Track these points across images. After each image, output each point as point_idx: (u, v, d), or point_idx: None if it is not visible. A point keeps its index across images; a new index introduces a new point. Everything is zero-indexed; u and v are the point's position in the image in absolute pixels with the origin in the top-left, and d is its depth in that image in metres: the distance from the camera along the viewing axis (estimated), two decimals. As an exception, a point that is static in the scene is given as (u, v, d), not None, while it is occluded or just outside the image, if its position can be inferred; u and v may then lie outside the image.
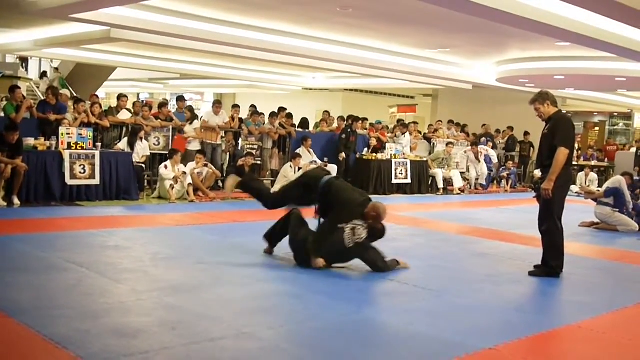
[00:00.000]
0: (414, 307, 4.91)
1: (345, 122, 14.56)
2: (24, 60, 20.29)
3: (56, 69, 19.67)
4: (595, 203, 10.32)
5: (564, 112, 6.21)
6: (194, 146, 11.85)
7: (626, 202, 9.88)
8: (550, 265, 6.15)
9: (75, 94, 16.54)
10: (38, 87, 18.15)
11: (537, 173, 7.10)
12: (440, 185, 14.65)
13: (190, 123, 12.22)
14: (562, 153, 5.85)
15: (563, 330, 4.44)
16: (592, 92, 18.68)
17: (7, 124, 8.93)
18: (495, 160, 16.38)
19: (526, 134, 18.10)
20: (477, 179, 15.71)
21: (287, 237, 6.14)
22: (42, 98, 12.18)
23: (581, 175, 17.56)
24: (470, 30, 10.84)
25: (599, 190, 10.84)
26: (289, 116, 13.80)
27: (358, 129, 14.41)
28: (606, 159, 20.14)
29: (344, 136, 13.85)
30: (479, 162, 15.64)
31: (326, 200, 5.92)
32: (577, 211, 12.66)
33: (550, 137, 6.02)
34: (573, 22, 8.64)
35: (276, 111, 13.53)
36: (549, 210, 6.11)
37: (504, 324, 4.49)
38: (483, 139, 16.82)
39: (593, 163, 19.03)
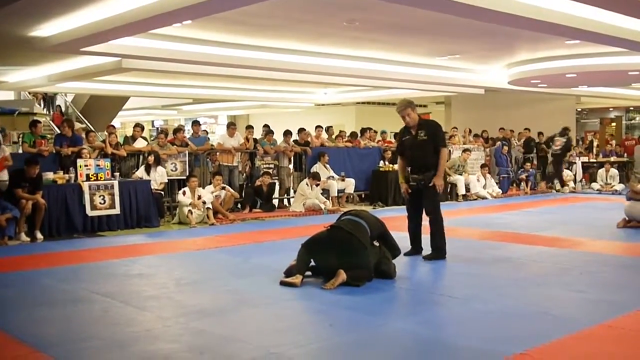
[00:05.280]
0: (442, 315, 4.88)
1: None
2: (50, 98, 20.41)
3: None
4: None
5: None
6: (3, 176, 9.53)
7: None
8: (440, 248, 7.07)
9: (90, 126, 16.74)
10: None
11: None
12: (462, 191, 14.57)
13: None
14: (445, 153, 7.09)
15: (594, 330, 4.37)
16: (605, 87, 18.53)
17: (28, 158, 9.05)
18: None
19: (540, 134, 17.99)
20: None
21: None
22: (58, 132, 12.32)
23: (601, 172, 17.39)
24: (478, 34, 10.83)
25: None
26: (300, 130, 13.94)
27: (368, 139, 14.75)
28: (625, 154, 19.94)
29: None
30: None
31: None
32: (601, 209, 12.59)
33: (430, 142, 6.97)
34: (581, 19, 8.59)
35: (290, 129, 13.59)
36: (436, 202, 7.16)
37: (533, 328, 4.44)
38: (498, 143, 16.75)
39: (612, 159, 18.84)
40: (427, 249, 7.26)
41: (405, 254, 6.93)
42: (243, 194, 12.47)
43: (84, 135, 11.38)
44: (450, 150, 15.86)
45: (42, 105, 19.46)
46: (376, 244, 6.17)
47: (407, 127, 7.19)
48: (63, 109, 19.63)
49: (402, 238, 6.90)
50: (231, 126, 13.06)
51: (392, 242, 6.36)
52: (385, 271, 5.98)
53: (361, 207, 13.02)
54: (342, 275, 5.65)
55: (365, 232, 5.94)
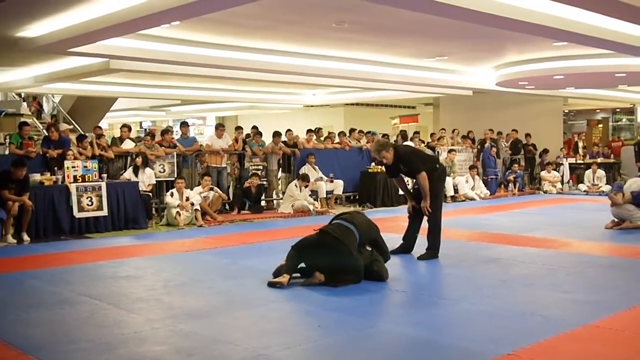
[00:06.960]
0: (430, 316, 4.89)
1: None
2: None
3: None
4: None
5: (405, 144, 7.85)
6: None
7: None
8: (436, 247, 7.32)
9: (78, 128, 16.64)
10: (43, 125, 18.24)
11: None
12: (451, 192, 14.60)
13: None
14: (422, 177, 7.18)
15: (581, 331, 4.40)
16: (593, 89, 18.64)
17: (15, 160, 8.99)
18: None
19: (527, 135, 18.06)
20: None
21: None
22: (46, 134, 12.25)
23: (588, 173, 17.48)
24: (466, 36, 10.87)
25: (623, 195, 9.60)
26: (287, 132, 13.95)
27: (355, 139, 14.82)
28: (612, 155, 20.08)
29: None
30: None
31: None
32: (588, 210, 12.66)
33: (409, 172, 7.44)
34: (568, 21, 8.65)
35: (279, 131, 13.58)
36: (437, 213, 7.38)
37: (521, 328, 4.46)
38: (487, 144, 16.79)
39: (599, 160, 18.95)
40: (417, 250, 7.30)
41: (392, 252, 6.91)
42: (231, 196, 12.43)
43: (71, 137, 11.29)
44: (438, 152, 15.91)
45: (38, 112, 19.31)
46: (368, 248, 6.18)
47: None
48: (47, 109, 19.49)
49: (393, 239, 6.90)
50: (219, 127, 13.02)
51: (383, 247, 6.38)
52: (376, 272, 5.99)
53: (349, 208, 13.02)
54: (319, 277, 5.74)
55: (353, 238, 5.95)
